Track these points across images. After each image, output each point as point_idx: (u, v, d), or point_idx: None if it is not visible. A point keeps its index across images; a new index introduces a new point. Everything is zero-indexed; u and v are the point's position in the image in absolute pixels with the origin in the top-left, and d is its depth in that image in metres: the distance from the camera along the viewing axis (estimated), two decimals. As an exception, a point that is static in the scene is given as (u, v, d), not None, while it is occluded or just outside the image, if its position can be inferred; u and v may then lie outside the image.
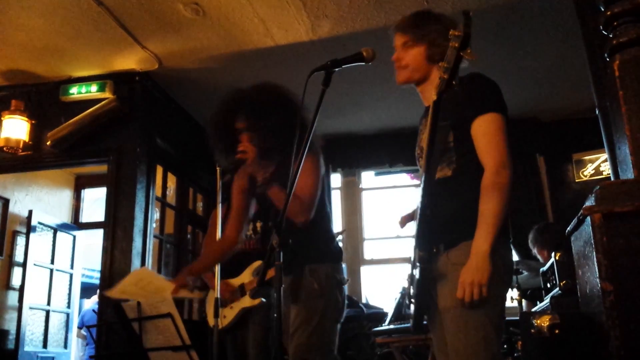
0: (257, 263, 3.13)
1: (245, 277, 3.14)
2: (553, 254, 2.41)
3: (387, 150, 5.42)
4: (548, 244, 3.41)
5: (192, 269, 2.39)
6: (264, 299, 3.04)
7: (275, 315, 1.59)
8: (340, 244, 2.50)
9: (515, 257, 4.32)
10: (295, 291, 2.12)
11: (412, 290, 1.74)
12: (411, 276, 1.73)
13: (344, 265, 2.34)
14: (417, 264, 1.64)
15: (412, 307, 1.76)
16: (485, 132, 1.65)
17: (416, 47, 1.79)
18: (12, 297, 5.16)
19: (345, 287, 2.24)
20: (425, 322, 1.80)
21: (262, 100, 2.18)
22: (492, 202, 1.58)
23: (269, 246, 1.63)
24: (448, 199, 1.67)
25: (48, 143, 4.13)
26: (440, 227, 1.64)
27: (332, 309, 2.14)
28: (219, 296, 2.73)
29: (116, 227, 3.99)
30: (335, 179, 5.76)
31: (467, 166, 1.68)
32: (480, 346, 1.56)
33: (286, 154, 1.99)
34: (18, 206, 5.34)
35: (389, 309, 3.95)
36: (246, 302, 3.09)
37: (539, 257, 3.52)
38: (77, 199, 6.20)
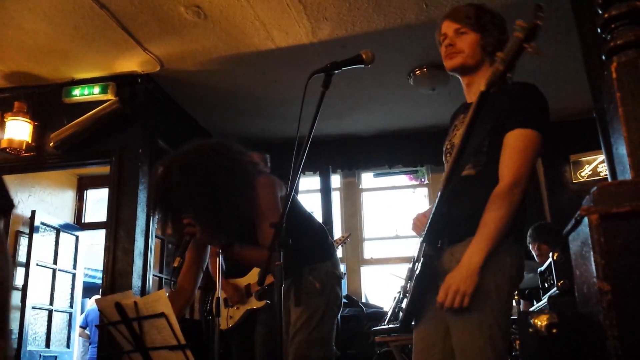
0: None
1: (252, 277, 3.11)
2: (551, 254, 2.43)
3: (387, 151, 5.45)
4: (542, 241, 3.52)
5: None
6: (268, 301, 3.04)
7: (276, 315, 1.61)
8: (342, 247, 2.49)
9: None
10: (296, 293, 2.14)
11: (409, 285, 1.72)
12: (411, 270, 1.72)
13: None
14: (421, 258, 1.62)
15: (405, 303, 1.73)
16: (515, 145, 1.59)
17: (471, 34, 1.71)
18: (15, 297, 5.16)
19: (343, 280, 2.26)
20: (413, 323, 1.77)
21: (194, 182, 2.06)
22: (496, 213, 1.55)
23: (269, 247, 1.63)
24: (466, 196, 1.64)
25: (51, 144, 4.16)
26: (450, 222, 1.62)
27: (333, 304, 2.17)
28: (220, 295, 2.74)
29: (118, 227, 4.02)
30: (336, 180, 5.78)
31: (493, 170, 1.63)
32: (486, 345, 1.55)
33: (236, 219, 2.02)
34: (21, 207, 5.37)
35: (389, 308, 3.96)
36: (252, 303, 3.10)
37: (533, 253, 3.59)
38: (80, 199, 6.22)
